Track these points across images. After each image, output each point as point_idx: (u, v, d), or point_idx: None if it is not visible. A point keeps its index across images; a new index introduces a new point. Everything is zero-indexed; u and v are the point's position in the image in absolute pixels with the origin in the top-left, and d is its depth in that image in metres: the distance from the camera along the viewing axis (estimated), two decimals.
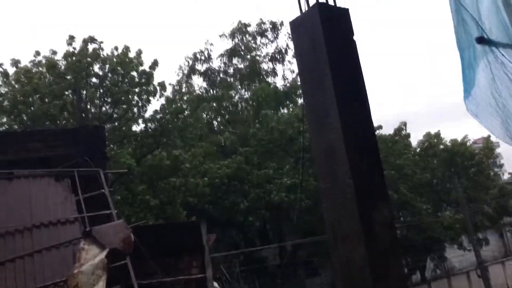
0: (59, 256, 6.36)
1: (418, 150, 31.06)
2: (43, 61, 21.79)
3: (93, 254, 6.01)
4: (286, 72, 32.11)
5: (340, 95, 3.86)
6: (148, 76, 22.31)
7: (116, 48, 22.18)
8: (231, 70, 31.85)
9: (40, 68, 21.88)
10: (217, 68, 31.91)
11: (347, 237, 3.79)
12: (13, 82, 21.34)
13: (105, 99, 22.25)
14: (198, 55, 31.76)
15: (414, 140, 31.54)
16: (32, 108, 20.73)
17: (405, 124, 29.90)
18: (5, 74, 21.59)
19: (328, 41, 3.92)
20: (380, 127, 26.70)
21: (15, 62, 21.55)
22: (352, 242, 3.75)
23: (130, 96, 22.01)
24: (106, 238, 6.22)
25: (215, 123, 30.33)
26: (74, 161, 7.60)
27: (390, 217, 4.02)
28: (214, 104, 29.64)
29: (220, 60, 31.82)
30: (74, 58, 20.97)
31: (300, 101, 27.73)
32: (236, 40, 31.82)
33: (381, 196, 3.96)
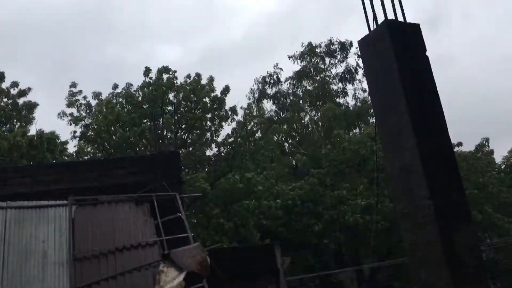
0: (140, 278, 6.59)
1: (503, 167, 29.12)
2: (122, 92, 23.21)
3: (172, 277, 6.18)
4: (357, 91, 31.71)
5: (414, 113, 3.74)
6: (220, 102, 22.97)
7: (188, 76, 23.14)
8: (300, 92, 31.99)
9: (120, 99, 23.29)
10: (286, 91, 32.19)
11: (428, 261, 3.62)
12: (96, 113, 22.82)
13: (180, 125, 23.14)
14: (267, 79, 32.25)
15: (498, 157, 29.64)
16: (114, 136, 22.02)
17: (487, 140, 28.24)
18: (88, 105, 23.16)
19: (399, 58, 3.83)
20: (459, 144, 25.41)
21: (97, 95, 23.12)
22: (433, 266, 3.57)
23: (203, 122, 22.75)
24: (184, 261, 6.38)
25: (286, 145, 30.41)
26: (152, 186, 7.93)
27: (474, 239, 3.79)
28: (285, 127, 29.79)
29: (289, 82, 32.10)
30: (150, 88, 22.13)
31: (372, 120, 27.15)
32: (305, 62, 32.00)
33: (464, 217, 3.75)
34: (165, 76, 22.67)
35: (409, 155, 3.74)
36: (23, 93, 23.29)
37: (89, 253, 6.78)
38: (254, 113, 29.05)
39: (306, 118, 30.75)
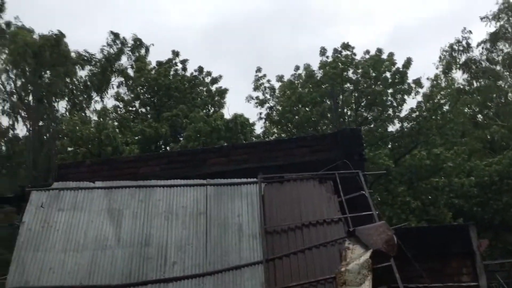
0: (326, 253, 6.75)
1: None
2: (302, 74, 23.87)
3: (358, 254, 6.17)
4: None
5: None
6: (401, 75, 22.01)
7: (367, 52, 22.60)
8: (497, 57, 28.47)
9: (300, 80, 24.01)
10: (478, 57, 28.99)
11: None
12: (279, 95, 23.96)
13: (360, 102, 22.86)
14: (455, 46, 29.48)
15: None
16: (296, 116, 22.88)
17: None
18: (272, 88, 24.43)
19: None
20: None
21: (280, 78, 24.20)
22: None
23: (384, 97, 22.10)
24: (369, 239, 6.31)
25: (479, 116, 27.55)
26: (334, 164, 8.00)
27: None
28: (478, 97, 26.97)
29: (482, 47, 28.80)
30: (328, 68, 22.27)
31: None
32: (501, 21, 28.28)
33: None
34: (343, 54, 22.57)
35: None
36: (215, 80, 25.73)
37: (279, 228, 7.18)
38: (442, 84, 26.98)
39: (506, 86, 27.29)
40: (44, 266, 6.81)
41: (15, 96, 20.95)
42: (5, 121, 20.91)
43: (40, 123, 20.60)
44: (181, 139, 21.85)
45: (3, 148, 21.12)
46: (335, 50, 22.56)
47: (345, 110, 23.04)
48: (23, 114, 20.69)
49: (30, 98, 20.78)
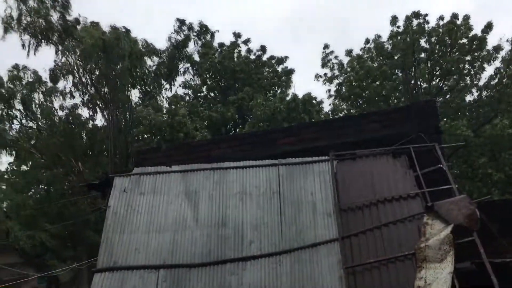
0: (403, 229, 6.60)
1: None
2: (371, 47, 23.08)
3: (438, 229, 5.98)
4: None
5: None
6: (480, 41, 20.69)
7: (441, 18, 21.43)
8: None
9: (370, 54, 23.26)
10: None
11: None
12: (348, 70, 23.39)
13: (434, 72, 21.83)
14: None
15: None
16: (366, 91, 22.28)
17: None
18: (340, 64, 23.88)
19: None
20: None
21: (348, 52, 23.55)
22: None
23: (460, 66, 20.97)
24: (449, 214, 6.09)
25: None
26: (408, 137, 7.74)
27: None
28: None
29: None
30: (399, 38, 21.38)
31: None
32: None
33: None
34: (415, 22, 21.56)
35: None
36: (280, 61, 25.60)
37: (353, 205, 7.11)
38: None
39: None
40: (130, 247, 7.24)
41: (92, 88, 22.02)
42: (85, 113, 22.09)
43: (117, 113, 21.58)
44: (250, 120, 22.05)
45: (85, 138, 22.39)
46: (407, 18, 21.51)
47: (418, 82, 22.09)
48: (101, 105, 21.75)
49: (106, 89, 21.75)
